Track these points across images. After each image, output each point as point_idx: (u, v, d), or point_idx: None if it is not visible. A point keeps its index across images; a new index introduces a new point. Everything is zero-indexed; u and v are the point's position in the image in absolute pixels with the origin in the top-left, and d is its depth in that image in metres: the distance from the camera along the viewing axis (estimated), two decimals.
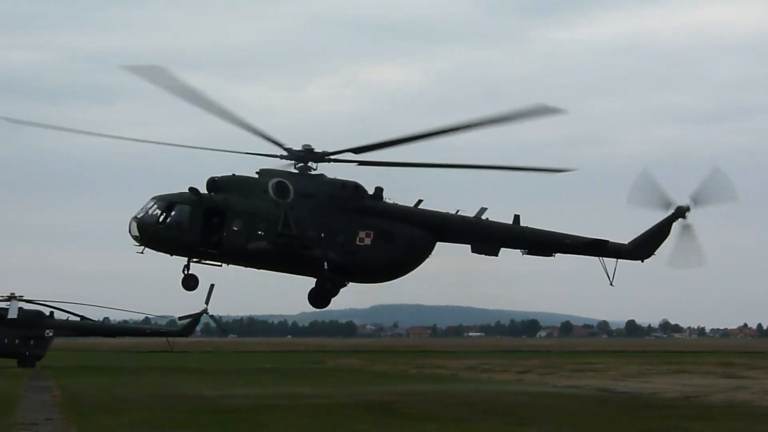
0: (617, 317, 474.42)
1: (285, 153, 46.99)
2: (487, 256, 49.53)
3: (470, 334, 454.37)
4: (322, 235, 46.59)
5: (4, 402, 48.51)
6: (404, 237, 47.73)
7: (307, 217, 46.69)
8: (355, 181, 48.20)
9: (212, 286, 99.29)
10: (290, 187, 46.33)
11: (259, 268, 48.18)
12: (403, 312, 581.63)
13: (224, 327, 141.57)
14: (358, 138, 46.05)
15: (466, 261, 49.53)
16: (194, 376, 77.02)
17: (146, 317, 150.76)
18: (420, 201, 49.82)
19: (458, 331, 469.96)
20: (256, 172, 47.83)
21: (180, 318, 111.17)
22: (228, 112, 44.03)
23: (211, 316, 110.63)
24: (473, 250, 49.35)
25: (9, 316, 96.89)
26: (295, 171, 47.81)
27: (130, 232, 46.86)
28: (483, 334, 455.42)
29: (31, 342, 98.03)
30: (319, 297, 47.70)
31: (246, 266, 48.38)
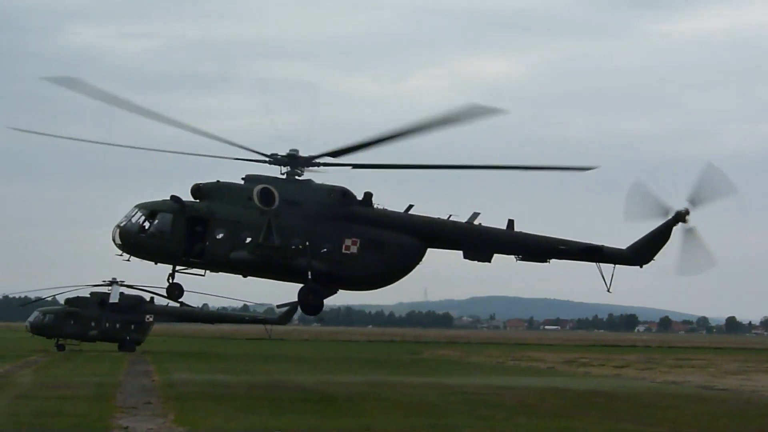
0: (717, 314, 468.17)
1: (270, 158, 46.17)
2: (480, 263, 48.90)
3: (546, 327, 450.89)
4: (307, 243, 45.75)
5: (104, 386, 49.13)
6: (392, 244, 46.58)
7: (291, 225, 45.87)
8: (343, 187, 47.28)
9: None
10: (275, 193, 45.34)
11: (244, 276, 48.15)
12: (501, 304, 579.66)
13: (322, 316, 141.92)
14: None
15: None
16: (292, 364, 77.42)
17: (245, 305, 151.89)
18: (411, 206, 48.91)
19: (554, 324, 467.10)
20: (242, 178, 47.27)
21: (278, 306, 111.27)
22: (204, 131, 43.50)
23: None
24: (465, 256, 48.44)
25: (110, 301, 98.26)
26: (282, 177, 46.88)
27: (113, 240, 46.84)
28: (558, 327, 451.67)
29: (132, 327, 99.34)
30: (306, 305, 46.94)
31: (231, 273, 48.33)
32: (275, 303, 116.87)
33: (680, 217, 47.45)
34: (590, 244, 48.48)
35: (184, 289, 47.37)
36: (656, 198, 47.30)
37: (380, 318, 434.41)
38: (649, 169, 47.77)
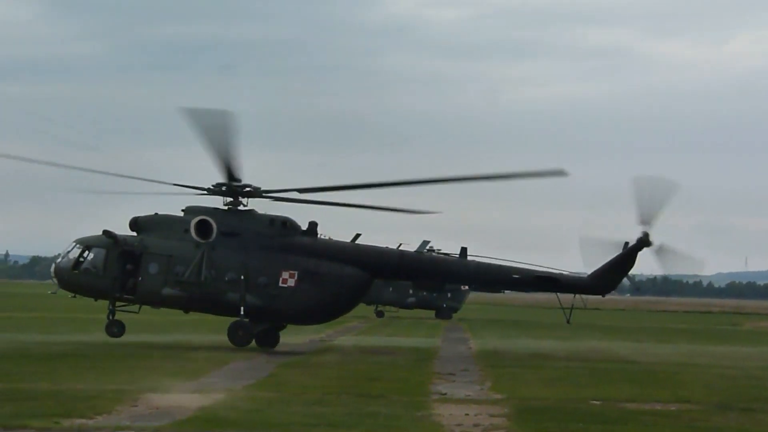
0: None
1: (213, 189, 45.39)
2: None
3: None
4: (242, 277, 44.80)
5: (422, 352, 49.93)
6: (332, 277, 45.27)
7: (227, 258, 45.07)
8: (286, 217, 46.24)
9: (626, 243, 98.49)
10: (213, 226, 44.58)
11: (185, 311, 47.31)
12: None
13: (638, 285, 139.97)
14: None
15: None
16: (607, 333, 76.66)
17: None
18: (358, 235, 46.94)
19: None
20: (182, 210, 46.54)
21: None
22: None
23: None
24: (415, 286, 47.06)
25: None
26: (224, 208, 46.15)
27: (51, 276, 47.45)
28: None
29: (449, 294, 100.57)
30: (235, 341, 45.63)
31: (167, 308, 47.52)
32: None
33: (644, 242, 45.61)
34: (547, 272, 46.75)
35: None
36: (606, 242, 45.81)
37: (698, 288, 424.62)
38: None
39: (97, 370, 35.12)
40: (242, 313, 45.51)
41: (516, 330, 79.09)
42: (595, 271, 47.26)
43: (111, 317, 46.64)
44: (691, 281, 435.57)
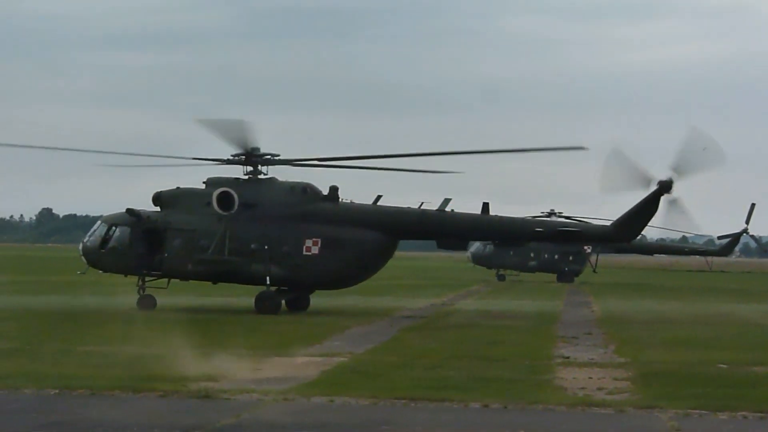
0: None
1: (231, 158, 45.47)
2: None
3: None
4: (266, 247, 45.11)
5: (544, 316, 49.74)
6: (355, 242, 45.52)
7: (249, 229, 45.36)
8: (306, 183, 46.40)
9: (753, 205, 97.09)
10: (234, 197, 44.85)
11: (213, 282, 47.52)
12: None
13: (765, 248, 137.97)
14: None
15: None
16: (733, 297, 75.50)
17: (683, 236, 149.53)
18: (379, 197, 46.63)
19: None
20: (203, 182, 46.75)
21: (719, 237, 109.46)
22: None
23: (752, 236, 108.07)
24: (439, 246, 47.22)
25: None
26: (245, 177, 46.21)
27: (80, 256, 48.25)
28: None
29: (570, 257, 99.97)
30: (262, 310, 45.45)
31: (195, 280, 47.74)
32: (716, 234, 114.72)
33: (666, 187, 43.98)
34: (570, 223, 46.09)
35: None
36: (636, 167, 43.86)
37: None
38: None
39: (220, 334, 35.57)
40: (268, 283, 46.07)
41: (639, 293, 78.26)
42: (617, 219, 46.70)
43: (141, 292, 47.36)
44: None
